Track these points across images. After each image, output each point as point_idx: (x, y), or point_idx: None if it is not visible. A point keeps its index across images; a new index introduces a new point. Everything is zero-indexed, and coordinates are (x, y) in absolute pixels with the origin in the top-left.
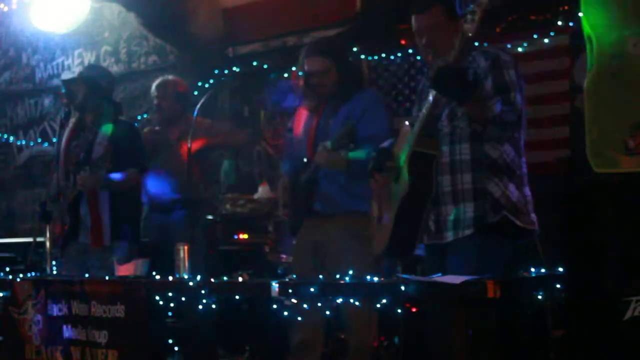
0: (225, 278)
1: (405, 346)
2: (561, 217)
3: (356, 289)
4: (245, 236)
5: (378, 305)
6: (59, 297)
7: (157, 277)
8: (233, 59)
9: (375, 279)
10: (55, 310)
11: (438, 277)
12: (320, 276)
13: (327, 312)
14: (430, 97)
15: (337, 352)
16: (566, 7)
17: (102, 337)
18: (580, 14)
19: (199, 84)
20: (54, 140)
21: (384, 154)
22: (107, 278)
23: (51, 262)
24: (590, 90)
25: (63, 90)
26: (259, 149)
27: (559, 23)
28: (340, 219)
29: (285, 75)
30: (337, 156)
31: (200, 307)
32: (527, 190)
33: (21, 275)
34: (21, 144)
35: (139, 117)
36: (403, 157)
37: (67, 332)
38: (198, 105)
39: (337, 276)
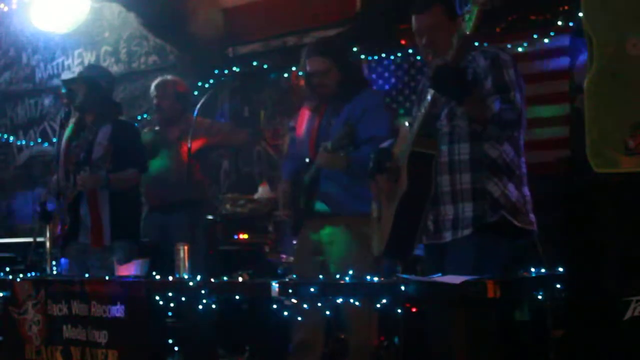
0: (225, 278)
1: (405, 346)
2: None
3: (356, 289)
4: (245, 236)
5: (378, 305)
6: (59, 297)
7: (157, 277)
8: (233, 59)
9: (375, 279)
10: (55, 310)
11: (438, 277)
12: (321, 276)
13: (327, 312)
14: (429, 96)
15: (337, 352)
16: (566, 7)
17: (102, 337)
18: (580, 14)
19: (199, 84)
20: (54, 140)
21: (383, 155)
22: (107, 278)
23: (51, 262)
24: (590, 90)
25: (63, 90)
26: (259, 149)
27: (559, 23)
28: (342, 219)
29: (285, 75)
30: (337, 156)
31: (200, 307)
32: (526, 190)
33: (21, 275)
34: (21, 144)
35: (139, 117)
36: (402, 157)
37: (67, 332)
38: (198, 105)
39: (337, 276)
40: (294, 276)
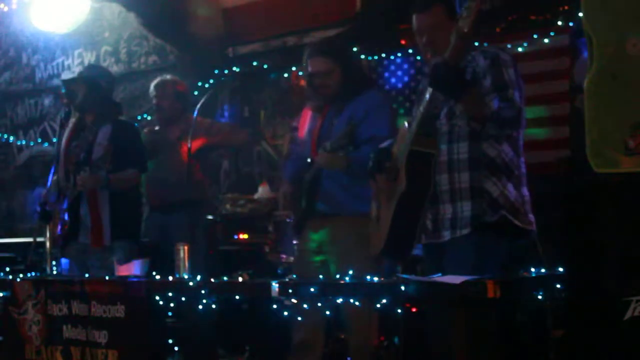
0: (225, 278)
1: (405, 346)
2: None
3: (356, 289)
4: (245, 236)
5: (378, 305)
6: (59, 297)
7: (157, 277)
8: (233, 59)
9: (375, 279)
10: (55, 310)
11: (438, 277)
12: (321, 276)
13: (327, 312)
14: (427, 95)
15: (337, 352)
16: (566, 7)
17: (102, 337)
18: (580, 14)
19: (199, 84)
20: (54, 140)
21: (383, 154)
22: (107, 278)
23: (51, 262)
24: (590, 90)
25: (63, 90)
26: (259, 149)
27: (559, 23)
28: (342, 219)
29: (285, 75)
30: (336, 157)
31: (200, 307)
32: (525, 191)
33: (21, 275)
34: (21, 144)
35: (139, 117)
36: (401, 156)
37: (67, 332)
38: (198, 105)
39: (337, 276)
40: (294, 276)
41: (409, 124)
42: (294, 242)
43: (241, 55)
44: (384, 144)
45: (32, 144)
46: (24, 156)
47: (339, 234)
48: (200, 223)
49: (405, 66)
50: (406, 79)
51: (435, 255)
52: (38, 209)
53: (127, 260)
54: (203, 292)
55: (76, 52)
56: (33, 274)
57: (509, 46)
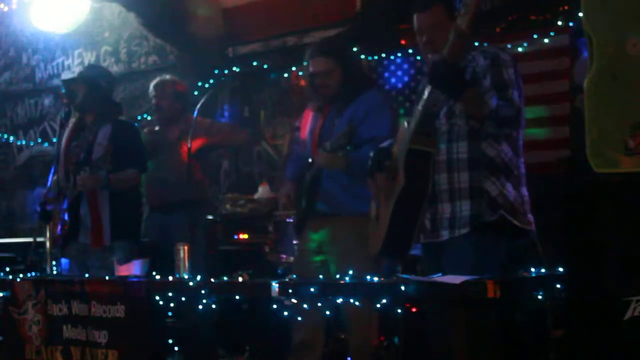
0: (225, 278)
1: (405, 346)
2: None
3: (356, 289)
4: (245, 236)
5: (378, 305)
6: (59, 297)
7: (157, 277)
8: (233, 59)
9: (375, 279)
10: (55, 310)
11: (438, 277)
12: (321, 276)
13: (327, 312)
14: (426, 93)
15: (337, 352)
16: (566, 7)
17: (102, 337)
18: (580, 14)
19: (199, 84)
20: (54, 140)
21: (383, 154)
22: (107, 278)
23: (51, 262)
24: (590, 90)
25: (63, 90)
26: (259, 149)
27: (559, 23)
28: (342, 219)
29: (285, 75)
30: (336, 157)
31: (200, 307)
32: (525, 191)
33: (21, 275)
34: (21, 144)
35: (139, 117)
36: (401, 155)
37: (67, 332)
38: (198, 105)
39: (337, 276)
40: (294, 276)
41: (408, 123)
42: (294, 242)
43: (241, 55)
44: (384, 144)
45: (32, 144)
46: (24, 156)
47: (339, 234)
48: (200, 223)
49: (405, 66)
50: (406, 79)
51: (434, 255)
52: (38, 209)
53: (127, 260)
54: (203, 292)
55: (76, 52)
56: (33, 274)
57: (509, 46)
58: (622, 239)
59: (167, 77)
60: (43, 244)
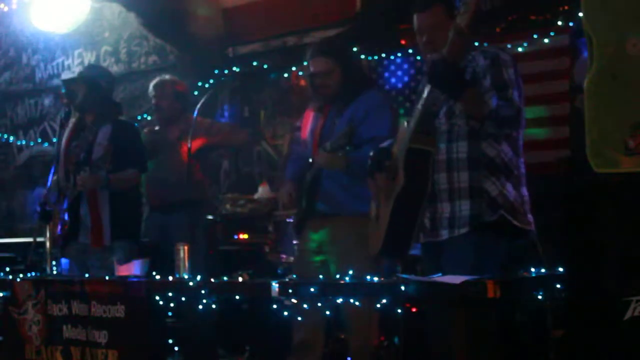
0: (225, 278)
1: (405, 346)
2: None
3: (356, 289)
4: (245, 236)
5: (378, 305)
6: (59, 297)
7: (157, 277)
8: (233, 59)
9: (375, 279)
10: (55, 310)
11: (438, 277)
12: (321, 276)
13: (327, 312)
14: (425, 92)
15: (337, 352)
16: (566, 7)
17: (102, 337)
18: (580, 14)
19: (199, 84)
20: (54, 140)
21: (383, 154)
22: (107, 278)
23: (51, 262)
24: (590, 90)
25: (63, 90)
26: (259, 149)
27: (559, 23)
28: (342, 219)
29: (285, 75)
30: (336, 157)
31: (200, 307)
32: (525, 191)
33: (21, 275)
34: (21, 144)
35: (139, 117)
36: (401, 155)
37: (67, 332)
38: (198, 105)
39: (337, 276)
40: (294, 276)
41: (408, 123)
42: (294, 242)
43: (241, 55)
44: (384, 144)
45: (32, 144)
46: (24, 156)
47: (339, 234)
48: (200, 223)
49: (405, 66)
50: (406, 79)
51: (433, 254)
52: (38, 209)
53: (127, 260)
54: (203, 292)
55: (76, 52)
56: (33, 274)
57: (509, 46)
58: (622, 239)
59: (167, 77)
60: (43, 244)
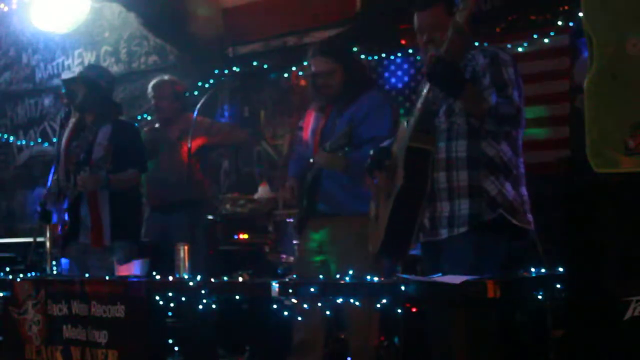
0: (225, 278)
1: (405, 346)
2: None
3: (356, 289)
4: (245, 236)
5: (378, 305)
6: (59, 297)
7: (157, 277)
8: (233, 59)
9: (375, 279)
10: (55, 310)
11: (438, 277)
12: (321, 276)
13: (327, 312)
14: (424, 91)
15: (337, 352)
16: (566, 7)
17: (102, 337)
18: (580, 14)
19: (199, 84)
20: (54, 140)
21: (382, 153)
22: (107, 278)
23: (51, 262)
24: (590, 90)
25: (63, 90)
26: (259, 149)
27: (559, 23)
28: (342, 219)
29: (285, 75)
30: (335, 157)
31: (200, 307)
32: (524, 190)
33: (21, 275)
34: (21, 144)
35: (139, 117)
36: (400, 154)
37: (67, 332)
38: (198, 105)
39: (337, 276)
40: (294, 276)
41: (407, 122)
42: (294, 242)
43: (241, 55)
44: (384, 143)
45: (32, 144)
46: (24, 156)
47: (339, 234)
48: (200, 223)
49: (405, 66)
50: (406, 79)
51: (433, 254)
52: (38, 209)
53: (127, 260)
54: (203, 292)
55: (76, 52)
56: (33, 274)
57: (509, 46)
58: (622, 239)
59: (166, 77)
60: (43, 244)
